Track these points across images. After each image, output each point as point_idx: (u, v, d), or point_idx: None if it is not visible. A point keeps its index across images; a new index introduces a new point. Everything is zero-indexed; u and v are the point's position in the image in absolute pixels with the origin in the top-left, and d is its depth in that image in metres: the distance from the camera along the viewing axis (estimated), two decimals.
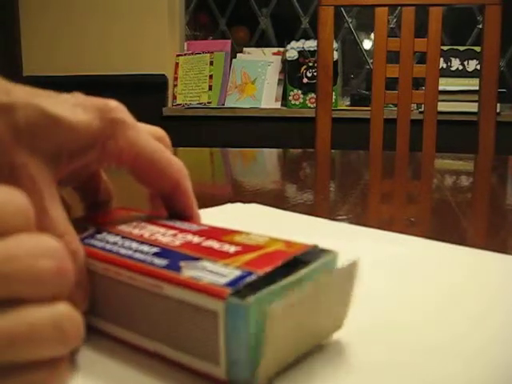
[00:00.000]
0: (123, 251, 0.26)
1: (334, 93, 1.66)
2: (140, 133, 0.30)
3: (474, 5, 2.14)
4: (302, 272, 0.24)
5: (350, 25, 2.49)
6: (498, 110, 1.44)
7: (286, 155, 1.25)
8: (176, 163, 0.32)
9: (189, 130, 2.40)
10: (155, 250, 0.26)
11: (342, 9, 2.40)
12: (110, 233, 0.28)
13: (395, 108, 1.40)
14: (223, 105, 2.44)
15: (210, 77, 2.46)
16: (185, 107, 2.44)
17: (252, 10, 2.59)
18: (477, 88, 1.36)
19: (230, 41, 2.53)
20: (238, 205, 0.57)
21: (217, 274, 0.23)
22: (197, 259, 0.24)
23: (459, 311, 0.31)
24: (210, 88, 2.45)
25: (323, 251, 0.26)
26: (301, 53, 2.38)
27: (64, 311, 0.21)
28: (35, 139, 0.26)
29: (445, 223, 0.57)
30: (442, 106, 1.53)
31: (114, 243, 0.27)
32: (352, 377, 0.24)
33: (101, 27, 2.44)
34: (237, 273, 0.23)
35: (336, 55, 2.26)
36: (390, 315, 0.30)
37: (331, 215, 0.58)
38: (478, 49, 2.22)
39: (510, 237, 0.53)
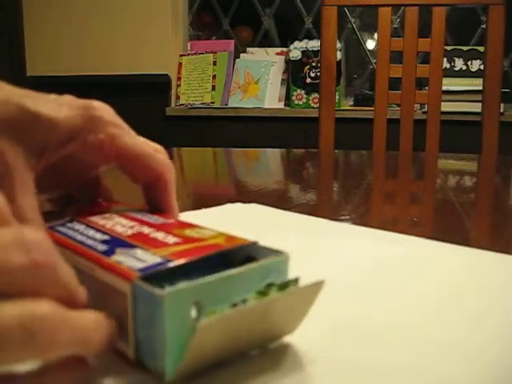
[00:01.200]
0: (79, 237, 0.29)
1: (337, 93, 1.66)
2: (124, 130, 0.33)
3: (478, 5, 2.14)
4: (233, 271, 0.25)
5: (354, 25, 2.48)
6: (501, 110, 1.44)
7: (289, 155, 1.25)
8: (160, 157, 0.33)
9: (192, 130, 2.40)
10: (105, 237, 0.28)
11: (346, 9, 2.40)
12: (78, 222, 0.31)
13: (398, 108, 1.40)
14: (226, 105, 2.44)
15: (214, 77, 2.46)
16: (188, 107, 2.44)
17: (255, 10, 2.59)
18: (480, 88, 1.35)
19: (233, 41, 2.53)
20: (238, 205, 0.57)
21: (140, 260, 0.25)
22: (132, 247, 0.27)
23: (460, 311, 0.31)
24: (214, 88, 2.46)
25: (274, 252, 0.27)
26: (304, 53, 2.38)
27: (37, 310, 0.19)
28: (15, 132, 0.28)
29: (448, 223, 0.57)
30: (446, 106, 1.52)
31: (77, 230, 0.30)
32: (352, 377, 0.24)
33: (104, 27, 2.44)
34: (157, 260, 0.25)
35: (339, 55, 2.26)
36: (390, 315, 0.30)
37: (334, 215, 0.58)
38: (481, 49, 2.22)
39: None
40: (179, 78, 2.50)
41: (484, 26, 2.30)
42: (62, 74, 2.47)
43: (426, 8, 1.36)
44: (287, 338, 0.27)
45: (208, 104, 2.43)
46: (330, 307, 0.29)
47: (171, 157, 1.11)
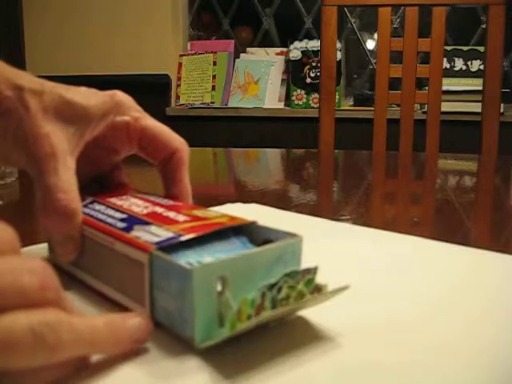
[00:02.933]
0: (100, 216, 0.33)
1: (337, 93, 1.66)
2: (146, 114, 0.38)
3: (478, 5, 2.14)
4: (253, 251, 0.28)
5: (354, 25, 2.48)
6: (501, 110, 1.44)
7: (290, 155, 1.25)
8: (176, 136, 0.39)
9: (192, 130, 2.40)
10: (123, 216, 0.32)
11: (346, 9, 2.40)
12: (99, 203, 0.35)
13: (398, 108, 1.40)
14: (226, 105, 2.44)
15: (214, 77, 2.46)
16: (188, 107, 2.44)
17: (255, 10, 2.59)
18: (480, 88, 1.35)
19: (233, 41, 2.53)
20: (238, 205, 0.57)
21: (155, 235, 0.29)
22: (148, 224, 0.31)
23: (460, 311, 0.31)
24: (214, 88, 2.46)
25: (289, 234, 0.30)
26: (304, 53, 2.38)
27: (44, 317, 0.21)
28: (57, 119, 0.33)
29: (448, 223, 0.57)
30: (446, 106, 1.52)
31: (98, 211, 0.34)
32: (352, 376, 0.24)
33: (104, 27, 2.44)
34: (169, 235, 0.29)
35: (339, 55, 2.26)
36: (390, 314, 0.30)
37: (334, 215, 0.58)
38: (481, 49, 2.22)
39: None
40: (179, 78, 2.50)
41: (484, 26, 2.30)
42: (62, 74, 2.47)
43: (426, 8, 1.36)
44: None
45: (208, 104, 2.43)
46: (331, 307, 0.29)
47: None
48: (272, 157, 1.22)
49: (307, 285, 0.27)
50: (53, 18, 2.48)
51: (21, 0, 2.50)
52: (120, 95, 0.37)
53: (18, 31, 2.52)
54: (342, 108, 2.33)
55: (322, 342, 0.27)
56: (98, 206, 0.35)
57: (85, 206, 0.35)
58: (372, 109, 1.40)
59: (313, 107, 2.33)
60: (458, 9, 2.33)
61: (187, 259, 0.27)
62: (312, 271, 0.27)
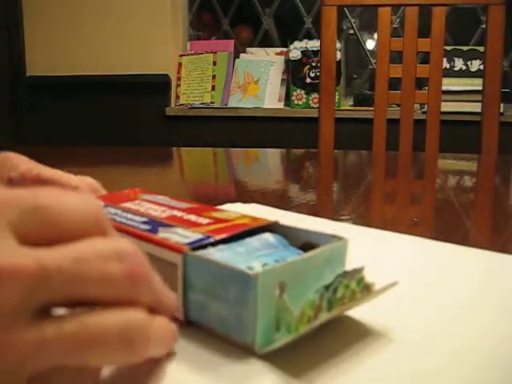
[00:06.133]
0: (119, 219, 0.32)
1: (337, 93, 1.66)
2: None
3: (478, 5, 2.14)
4: (309, 254, 0.28)
5: (353, 25, 2.48)
6: (501, 110, 1.44)
7: (289, 155, 1.25)
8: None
9: (192, 129, 2.40)
10: (144, 219, 0.32)
11: (345, 9, 2.40)
12: (113, 207, 0.34)
13: (398, 108, 1.40)
14: (226, 105, 2.44)
15: (213, 77, 2.46)
16: (188, 107, 2.44)
17: (255, 10, 2.59)
18: (480, 88, 1.35)
19: (233, 41, 2.53)
20: (238, 205, 0.57)
21: (184, 236, 0.28)
22: (173, 226, 0.30)
23: (459, 310, 0.31)
24: (213, 88, 2.45)
25: (332, 237, 0.30)
26: (304, 53, 2.38)
27: (134, 319, 0.21)
28: None
29: (448, 223, 0.57)
30: (445, 106, 1.52)
31: (115, 214, 0.33)
32: (352, 376, 0.24)
33: (104, 28, 2.44)
34: (199, 236, 0.28)
35: (339, 55, 2.25)
36: (391, 314, 0.30)
37: (334, 215, 0.58)
38: (481, 49, 2.21)
39: None
40: (179, 78, 2.50)
41: (484, 26, 2.30)
42: (62, 74, 2.47)
43: (426, 8, 1.36)
44: None
45: (208, 104, 2.43)
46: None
47: (171, 157, 1.11)
48: (272, 157, 1.22)
49: (358, 284, 0.27)
50: (52, 18, 2.48)
51: (20, 1, 2.50)
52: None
53: (18, 32, 2.52)
54: (342, 108, 2.33)
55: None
56: (113, 210, 0.34)
57: None
58: (372, 109, 1.40)
59: (313, 107, 2.33)
60: (457, 9, 2.33)
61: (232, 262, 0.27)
62: (361, 271, 0.28)
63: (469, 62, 2.28)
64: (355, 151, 1.30)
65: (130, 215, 0.32)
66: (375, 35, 1.60)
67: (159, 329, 0.22)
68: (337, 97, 2.13)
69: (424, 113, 1.48)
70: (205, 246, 0.28)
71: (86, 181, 0.38)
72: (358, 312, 0.29)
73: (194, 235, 0.29)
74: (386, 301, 0.32)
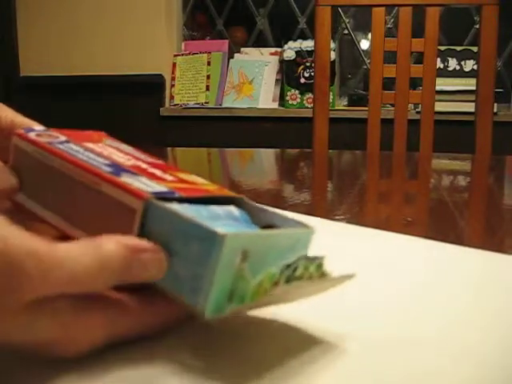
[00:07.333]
0: (81, 156, 0.29)
1: (331, 93, 1.66)
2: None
3: (471, 5, 2.14)
4: (279, 231, 0.28)
5: (348, 25, 2.49)
6: (494, 110, 1.45)
7: (284, 155, 1.25)
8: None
9: (186, 130, 2.40)
10: (107, 162, 0.29)
11: (339, 9, 2.40)
12: (75, 144, 0.32)
13: (392, 108, 1.40)
14: (220, 105, 2.44)
15: (208, 77, 2.46)
16: (182, 107, 2.44)
17: (249, 10, 2.59)
18: (474, 88, 1.36)
19: (227, 41, 2.53)
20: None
21: (148, 185, 0.27)
22: (137, 175, 0.28)
23: (455, 310, 0.31)
24: (208, 88, 2.45)
25: (295, 221, 0.29)
26: (298, 53, 2.38)
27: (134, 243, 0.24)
28: None
29: (442, 223, 0.57)
30: (439, 106, 1.53)
31: (76, 151, 0.30)
32: (351, 375, 0.24)
33: (98, 27, 2.44)
34: (164, 189, 0.27)
35: (333, 55, 2.26)
36: (389, 313, 0.30)
37: (328, 215, 0.58)
38: (475, 49, 2.22)
39: (506, 236, 0.53)
40: (173, 78, 2.50)
41: (477, 26, 2.31)
42: (56, 75, 2.46)
43: (420, 8, 1.36)
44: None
45: (202, 104, 2.43)
46: (327, 305, 0.29)
47: (166, 157, 1.11)
48: (266, 157, 1.22)
49: (316, 269, 0.26)
50: (46, 18, 2.47)
51: (14, 1, 2.49)
52: None
53: (12, 32, 2.51)
54: (336, 108, 2.34)
55: (325, 346, 0.27)
56: (75, 147, 0.31)
57: (60, 143, 0.31)
58: (366, 109, 1.40)
59: (307, 107, 2.33)
60: (451, 9, 2.34)
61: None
62: (321, 258, 0.27)
63: (462, 62, 2.29)
64: (349, 151, 1.30)
65: (92, 155, 0.30)
66: (369, 35, 1.61)
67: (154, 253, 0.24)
68: (331, 97, 2.13)
69: (418, 113, 1.49)
70: (169, 201, 0.26)
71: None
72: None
73: (158, 187, 0.27)
74: (381, 300, 0.32)
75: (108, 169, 0.28)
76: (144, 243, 0.24)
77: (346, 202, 0.69)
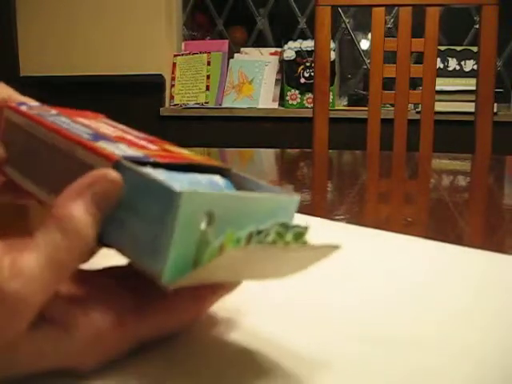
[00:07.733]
0: (65, 126, 0.29)
1: (331, 93, 1.66)
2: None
3: (471, 5, 2.14)
4: (250, 194, 0.26)
5: (348, 25, 2.49)
6: (494, 110, 1.45)
7: (284, 155, 1.25)
8: None
9: (186, 130, 2.40)
10: (90, 131, 0.29)
11: (340, 9, 2.40)
12: (65, 117, 0.32)
13: (392, 108, 1.40)
14: (220, 105, 2.43)
15: (208, 77, 2.46)
16: (182, 107, 2.44)
17: (249, 10, 2.59)
18: (474, 88, 1.36)
19: (227, 41, 2.53)
20: None
21: (122, 150, 0.26)
22: (115, 142, 0.28)
23: (456, 310, 0.31)
24: (208, 88, 2.45)
25: (282, 191, 0.28)
26: (298, 53, 2.38)
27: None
28: None
29: (442, 223, 0.57)
30: (439, 106, 1.53)
31: (63, 122, 0.30)
32: (351, 374, 0.24)
33: (98, 27, 2.44)
34: (138, 154, 0.26)
35: (333, 55, 2.26)
36: (389, 313, 0.30)
37: (329, 215, 0.58)
38: (475, 49, 2.22)
39: (506, 236, 0.53)
40: (173, 78, 2.49)
41: (477, 26, 2.31)
42: (55, 75, 2.46)
43: (420, 8, 1.36)
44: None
45: (202, 104, 2.43)
46: (328, 305, 0.29)
47: None
48: (266, 157, 1.22)
49: (296, 238, 0.24)
50: (46, 18, 2.47)
51: (14, 1, 2.49)
52: None
53: (11, 32, 2.51)
54: (336, 108, 2.34)
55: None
56: (64, 119, 0.31)
57: (50, 115, 0.31)
58: (366, 109, 1.40)
59: (307, 107, 2.33)
60: (451, 9, 2.34)
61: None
62: (305, 228, 0.25)
63: (462, 62, 2.29)
64: (349, 151, 1.30)
65: (78, 126, 0.30)
66: (369, 35, 1.60)
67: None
68: (331, 97, 2.13)
69: (418, 113, 1.49)
70: (143, 165, 0.25)
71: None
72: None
73: (133, 152, 0.26)
74: (381, 300, 0.32)
75: (87, 136, 0.28)
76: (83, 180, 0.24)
77: (346, 201, 0.69)
